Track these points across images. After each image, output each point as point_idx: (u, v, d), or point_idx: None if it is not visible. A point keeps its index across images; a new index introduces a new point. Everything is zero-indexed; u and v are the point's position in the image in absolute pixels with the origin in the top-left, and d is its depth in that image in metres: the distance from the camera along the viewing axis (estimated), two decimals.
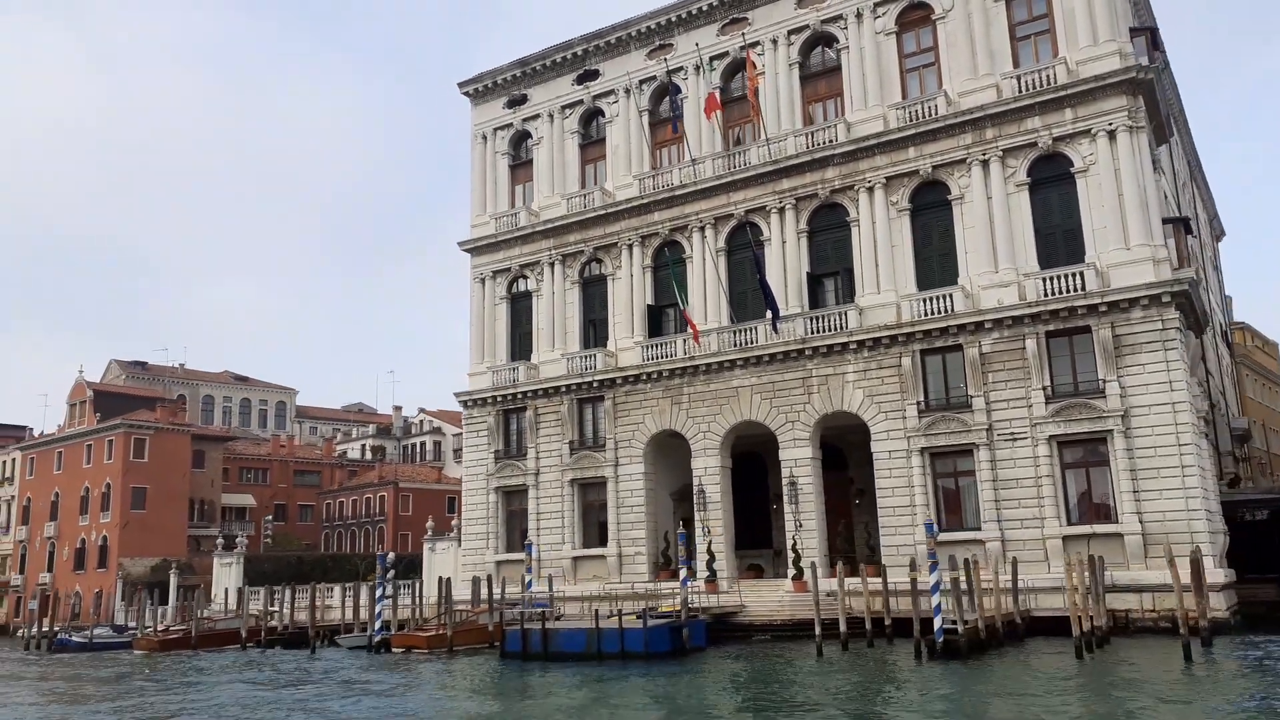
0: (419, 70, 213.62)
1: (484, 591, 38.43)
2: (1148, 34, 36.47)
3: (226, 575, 54.82)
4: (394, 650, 33.36)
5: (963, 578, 26.22)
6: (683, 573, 29.96)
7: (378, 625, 35.11)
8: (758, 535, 42.11)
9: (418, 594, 39.64)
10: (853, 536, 39.43)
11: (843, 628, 27.73)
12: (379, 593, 35.67)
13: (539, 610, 32.82)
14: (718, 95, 42.41)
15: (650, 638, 26.07)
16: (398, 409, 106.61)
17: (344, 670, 28.62)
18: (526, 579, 36.17)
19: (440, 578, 37.11)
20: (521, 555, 43.22)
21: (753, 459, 41.64)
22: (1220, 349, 61.70)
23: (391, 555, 38.86)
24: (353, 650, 35.25)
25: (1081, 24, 35.18)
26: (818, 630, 27.21)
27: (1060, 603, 29.86)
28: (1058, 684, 19.72)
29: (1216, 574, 29.99)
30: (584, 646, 27.09)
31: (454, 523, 47.81)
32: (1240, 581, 39.02)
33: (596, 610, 28.39)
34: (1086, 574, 27.26)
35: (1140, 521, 31.14)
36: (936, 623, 24.31)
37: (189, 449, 73.12)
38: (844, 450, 40.44)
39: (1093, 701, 17.77)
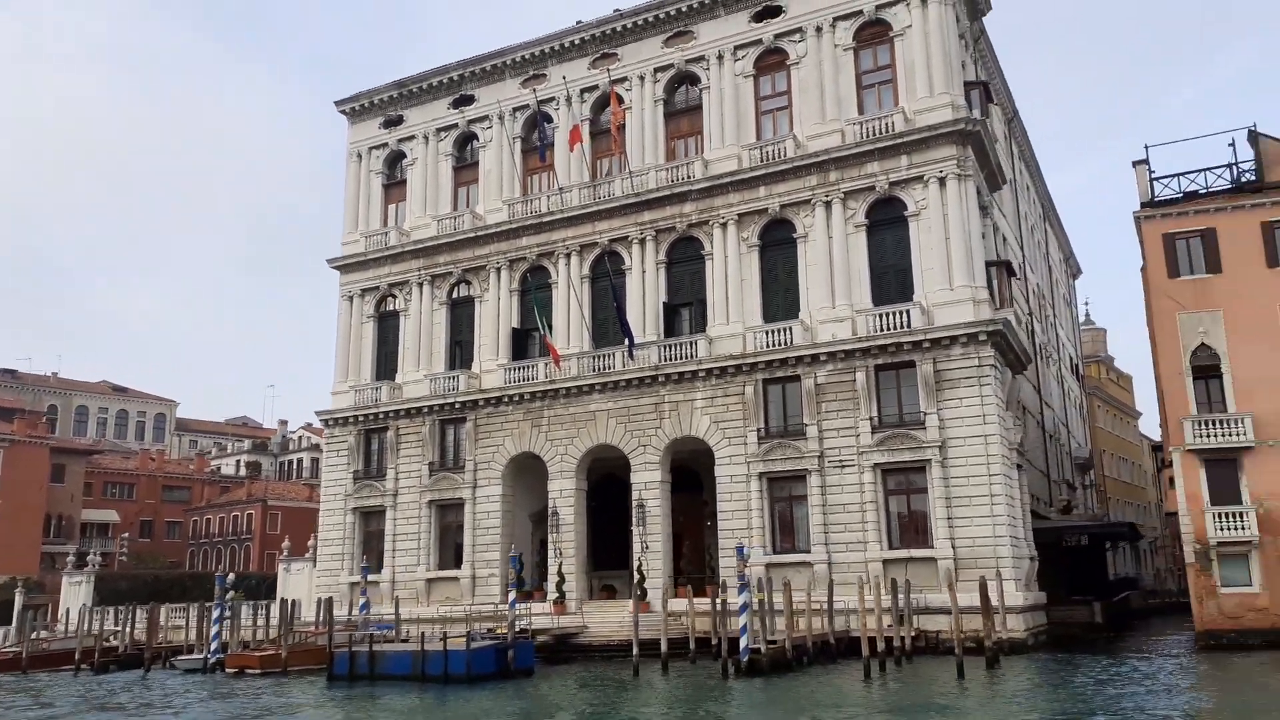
0: (341, 81, 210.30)
1: (335, 612, 38.18)
2: (981, 88, 39.04)
3: (75, 594, 52.85)
4: (228, 671, 32.96)
5: (766, 599, 27.47)
6: (511, 595, 30.47)
7: (213, 646, 34.64)
8: (616, 556, 42.74)
9: (261, 615, 39.16)
10: (703, 558, 40.72)
11: (663, 647, 28.73)
12: (216, 614, 35.23)
13: (380, 632, 32.89)
14: (583, 128, 43.63)
15: (472, 659, 26.52)
16: (283, 423, 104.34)
17: (154, 692, 28.26)
18: (360, 600, 36.25)
19: (283, 599, 36.81)
20: (375, 577, 43.41)
21: (615, 481, 42.48)
22: (1068, 382, 65.54)
23: (231, 576, 38.34)
24: (188, 672, 34.64)
25: (920, 76, 37.46)
26: (635, 650, 28.13)
27: (875, 623, 31.65)
28: (828, 700, 21.03)
29: (1016, 597, 31.96)
30: (409, 669, 27.39)
31: (309, 542, 47.34)
32: (1064, 603, 41.78)
33: (423, 633, 28.75)
34: (887, 596, 28.84)
35: (952, 546, 33.07)
36: (742, 642, 25.49)
37: (47, 462, 70.24)
38: (700, 473, 41.63)
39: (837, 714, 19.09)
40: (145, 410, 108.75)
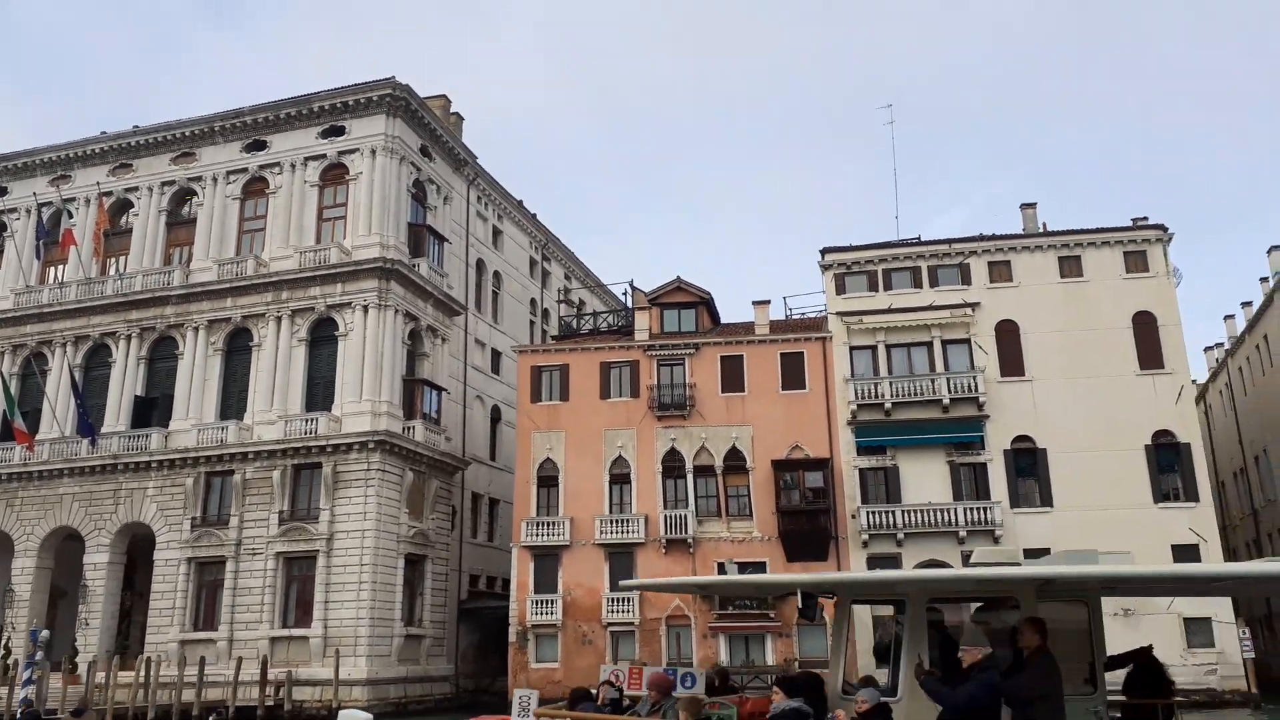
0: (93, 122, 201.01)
1: None
2: (426, 229, 45.73)
3: None
4: None
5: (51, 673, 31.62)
6: None
7: None
8: None
9: None
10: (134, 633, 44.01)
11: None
12: None
13: None
14: (89, 230, 47.46)
15: None
16: None
17: None
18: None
19: None
20: None
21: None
22: None
23: None
24: None
25: (363, 216, 43.70)
26: None
27: (253, 695, 36.41)
28: None
29: (362, 670, 37.41)
30: None
31: None
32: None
33: None
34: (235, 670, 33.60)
35: (325, 627, 38.36)
36: (18, 713, 29.41)
37: None
38: None
39: None
40: None
